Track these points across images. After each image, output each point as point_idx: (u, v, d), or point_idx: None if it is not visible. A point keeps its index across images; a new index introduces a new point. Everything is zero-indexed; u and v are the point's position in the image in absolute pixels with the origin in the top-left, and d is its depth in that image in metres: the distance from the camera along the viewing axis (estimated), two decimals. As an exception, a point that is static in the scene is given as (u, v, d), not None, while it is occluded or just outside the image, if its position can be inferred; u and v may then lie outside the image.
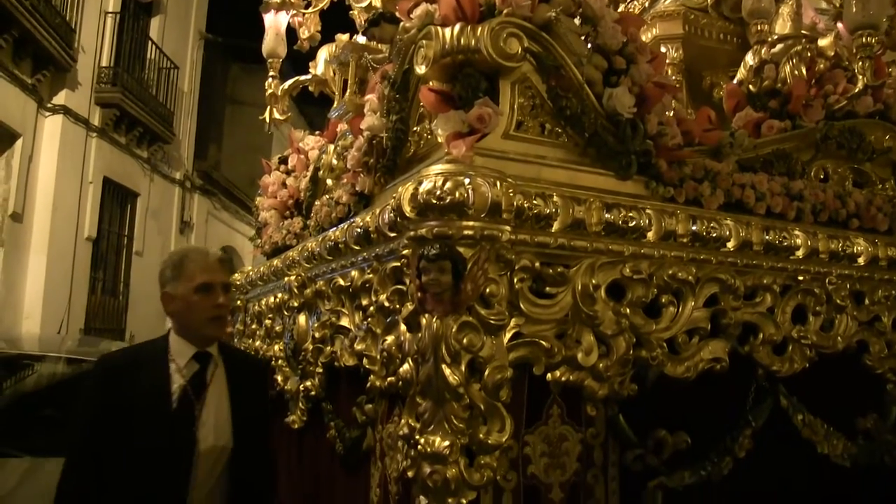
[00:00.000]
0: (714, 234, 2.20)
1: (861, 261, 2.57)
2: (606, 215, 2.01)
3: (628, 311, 2.04)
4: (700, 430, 2.18)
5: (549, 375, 1.95)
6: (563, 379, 1.96)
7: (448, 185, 1.78)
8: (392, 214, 1.98)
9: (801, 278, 2.43)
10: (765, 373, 2.33)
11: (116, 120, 12.44)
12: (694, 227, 2.16)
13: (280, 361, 3.10)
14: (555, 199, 1.94)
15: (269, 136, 14.69)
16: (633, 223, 2.05)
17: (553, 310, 1.95)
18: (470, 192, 1.77)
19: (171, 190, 14.88)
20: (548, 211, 1.91)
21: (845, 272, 2.54)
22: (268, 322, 3.39)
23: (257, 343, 3.59)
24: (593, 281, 1.99)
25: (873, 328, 2.60)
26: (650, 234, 2.08)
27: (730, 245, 2.25)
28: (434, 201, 1.76)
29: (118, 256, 13.15)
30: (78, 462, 2.29)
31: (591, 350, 1.98)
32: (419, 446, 1.80)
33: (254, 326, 3.73)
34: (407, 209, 1.83)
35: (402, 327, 1.99)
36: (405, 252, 1.92)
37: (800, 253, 2.41)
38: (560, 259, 1.97)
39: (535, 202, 1.89)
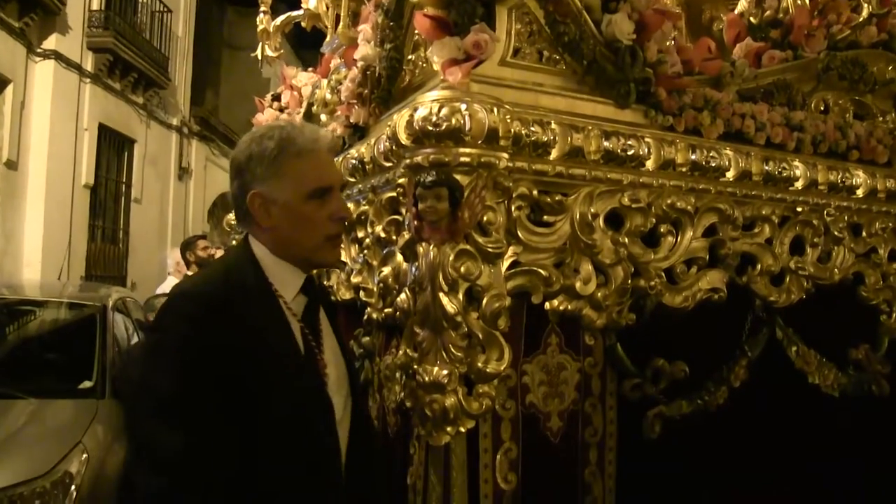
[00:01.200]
0: (713, 164, 2.18)
1: (860, 193, 2.56)
2: (605, 143, 1.99)
3: (627, 240, 2.04)
4: (697, 360, 2.19)
5: (547, 304, 1.95)
6: (561, 308, 1.96)
7: (444, 111, 1.75)
8: (388, 143, 1.96)
9: (799, 209, 2.42)
10: (762, 304, 2.34)
11: (110, 65, 12.27)
12: (693, 157, 2.14)
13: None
14: (553, 126, 1.91)
15: (266, 80, 14.56)
16: (632, 151, 2.03)
17: (551, 238, 1.94)
18: (467, 118, 1.74)
19: (169, 136, 14.76)
20: (546, 138, 1.89)
21: (843, 204, 2.53)
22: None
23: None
24: (592, 209, 1.98)
25: (869, 260, 2.60)
26: (649, 163, 2.06)
27: (729, 175, 2.23)
28: (430, 128, 1.74)
29: (117, 204, 13.11)
30: (193, 452, 1.42)
31: (590, 279, 1.97)
32: (417, 376, 1.81)
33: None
34: (402, 137, 1.81)
35: (399, 258, 1.99)
36: (401, 181, 1.90)
37: (799, 184, 2.40)
38: (558, 187, 1.96)
39: (532, 129, 1.87)
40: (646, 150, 2.05)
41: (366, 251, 2.23)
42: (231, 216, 4.02)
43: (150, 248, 13.08)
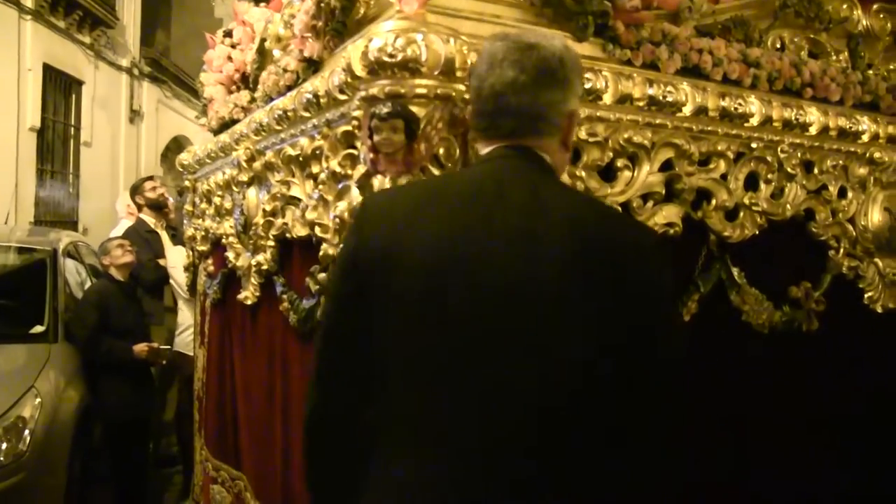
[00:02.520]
0: (670, 99, 2.18)
1: (813, 130, 2.58)
2: (562, 76, 1.96)
3: (584, 174, 2.04)
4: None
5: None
6: (518, 243, 1.95)
7: (400, 42, 1.71)
8: (342, 75, 1.92)
9: (754, 146, 2.44)
10: (716, 239, 2.37)
11: (53, 2, 11.79)
12: (650, 91, 2.13)
13: (231, 238, 3.06)
14: (510, 58, 1.88)
15: (218, 21, 14.13)
16: (590, 85, 2.01)
17: (508, 172, 1.92)
18: (423, 48, 1.71)
19: (119, 78, 14.31)
20: (502, 70, 1.86)
21: (797, 141, 2.55)
22: (217, 200, 3.33)
23: (207, 222, 3.54)
24: (549, 143, 1.96)
25: (820, 196, 2.65)
26: (606, 97, 2.05)
27: (686, 110, 2.24)
28: (386, 59, 1.71)
29: (66, 147, 12.73)
30: None
31: (546, 213, 1.96)
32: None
33: (203, 206, 3.66)
34: (357, 68, 1.77)
35: (355, 192, 1.96)
36: (356, 113, 1.87)
37: (754, 120, 2.42)
38: (515, 120, 1.93)
39: (489, 61, 1.84)
40: (604, 83, 2.04)
41: (321, 186, 2.19)
42: (183, 156, 3.93)
43: (102, 193, 12.78)
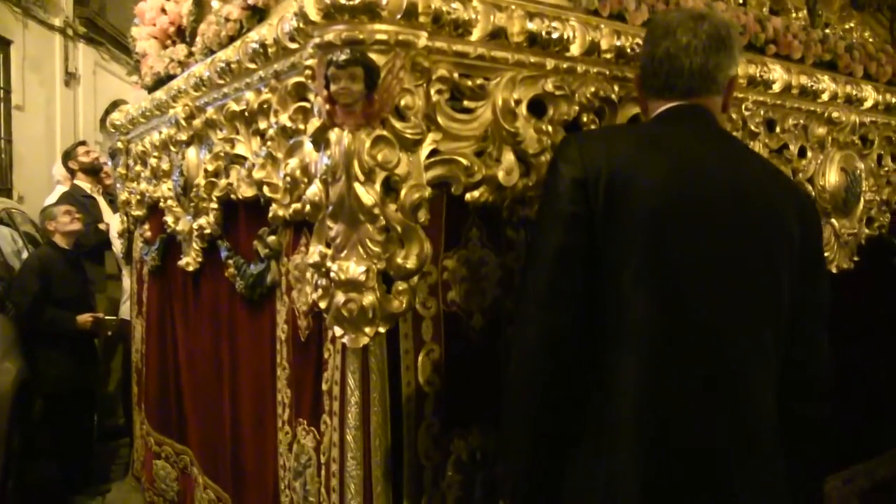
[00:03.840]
0: (638, 52, 2.08)
1: (776, 88, 2.52)
2: (529, 25, 1.85)
3: (550, 128, 1.92)
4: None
5: (467, 196, 1.83)
6: (482, 200, 1.84)
7: (358, -18, 1.57)
8: (295, 21, 1.78)
9: (720, 102, 2.37)
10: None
11: (-27, -46, 11.18)
12: (618, 42, 2.03)
13: (169, 202, 2.89)
14: (475, 3, 1.76)
15: (155, -21, 13.62)
16: (557, 35, 1.90)
17: (472, 125, 1.81)
18: (384, -10, 1.57)
19: (52, 38, 13.65)
20: (467, 17, 1.74)
21: (760, 99, 2.49)
22: (153, 161, 3.14)
23: (143, 185, 3.35)
24: (514, 96, 1.85)
25: (782, 156, 2.59)
26: (574, 48, 1.94)
27: (653, 64, 2.14)
28: (343, 2, 1.56)
29: (-5, 111, 12.18)
30: None
31: (512, 170, 1.86)
32: (332, 273, 1.69)
33: (138, 168, 3.47)
34: (312, 12, 1.62)
35: (308, 147, 1.84)
36: (309, 62, 1.73)
37: (720, 76, 2.34)
38: (479, 71, 1.82)
39: (453, 6, 1.71)
40: (571, 33, 1.92)
41: (269, 143, 2.05)
42: (115, 115, 3.71)
43: (38, 159, 12.22)
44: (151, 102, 3.08)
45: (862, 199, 2.88)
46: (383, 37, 1.60)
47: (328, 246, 1.73)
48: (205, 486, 2.81)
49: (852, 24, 3.15)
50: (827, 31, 2.89)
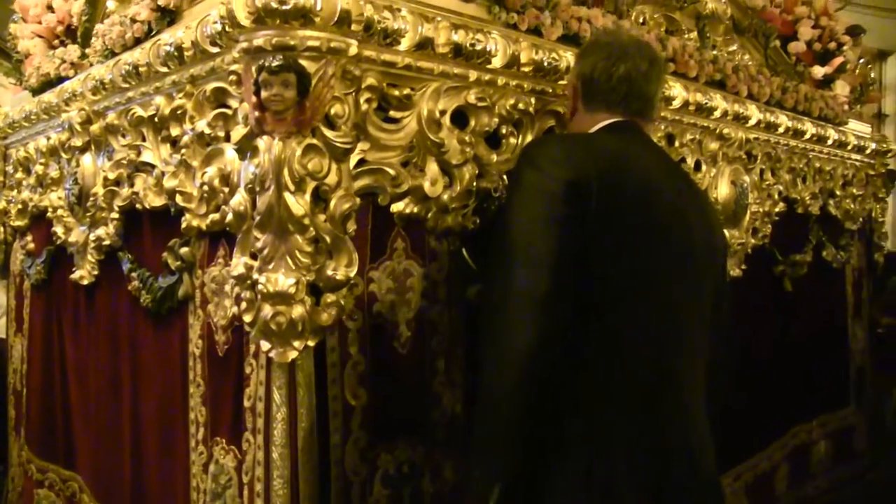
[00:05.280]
0: (554, 65, 2.13)
1: (675, 104, 2.63)
2: (454, 36, 1.86)
3: (472, 139, 1.94)
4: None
5: (393, 207, 1.82)
6: (407, 211, 1.84)
7: (292, -14, 1.53)
8: (219, 24, 1.71)
9: (625, 117, 2.45)
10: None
11: None
12: (536, 56, 2.07)
13: (59, 211, 2.71)
14: (404, 13, 1.76)
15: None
16: (480, 46, 1.92)
17: (398, 135, 1.81)
18: (318, -5, 1.54)
19: None
20: (397, 26, 1.73)
21: (662, 114, 2.59)
22: (39, 168, 2.93)
23: (25, 194, 3.13)
24: (439, 106, 1.86)
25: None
26: (496, 60, 1.96)
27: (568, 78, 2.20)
28: (275, 5, 1.51)
29: None
30: None
31: (437, 180, 1.87)
32: (259, 286, 1.62)
33: (18, 175, 3.24)
34: (241, 16, 1.56)
35: (228, 156, 1.77)
36: (235, 67, 1.67)
37: (626, 92, 2.42)
38: (406, 81, 1.81)
39: (384, 15, 1.70)
40: (494, 45, 1.95)
41: (183, 150, 1.96)
42: None
43: None
44: (38, 105, 2.88)
45: (748, 211, 3.06)
46: (315, 43, 1.56)
47: (253, 257, 1.67)
48: (98, 513, 2.64)
49: (734, 48, 3.34)
50: (714, 52, 3.05)
